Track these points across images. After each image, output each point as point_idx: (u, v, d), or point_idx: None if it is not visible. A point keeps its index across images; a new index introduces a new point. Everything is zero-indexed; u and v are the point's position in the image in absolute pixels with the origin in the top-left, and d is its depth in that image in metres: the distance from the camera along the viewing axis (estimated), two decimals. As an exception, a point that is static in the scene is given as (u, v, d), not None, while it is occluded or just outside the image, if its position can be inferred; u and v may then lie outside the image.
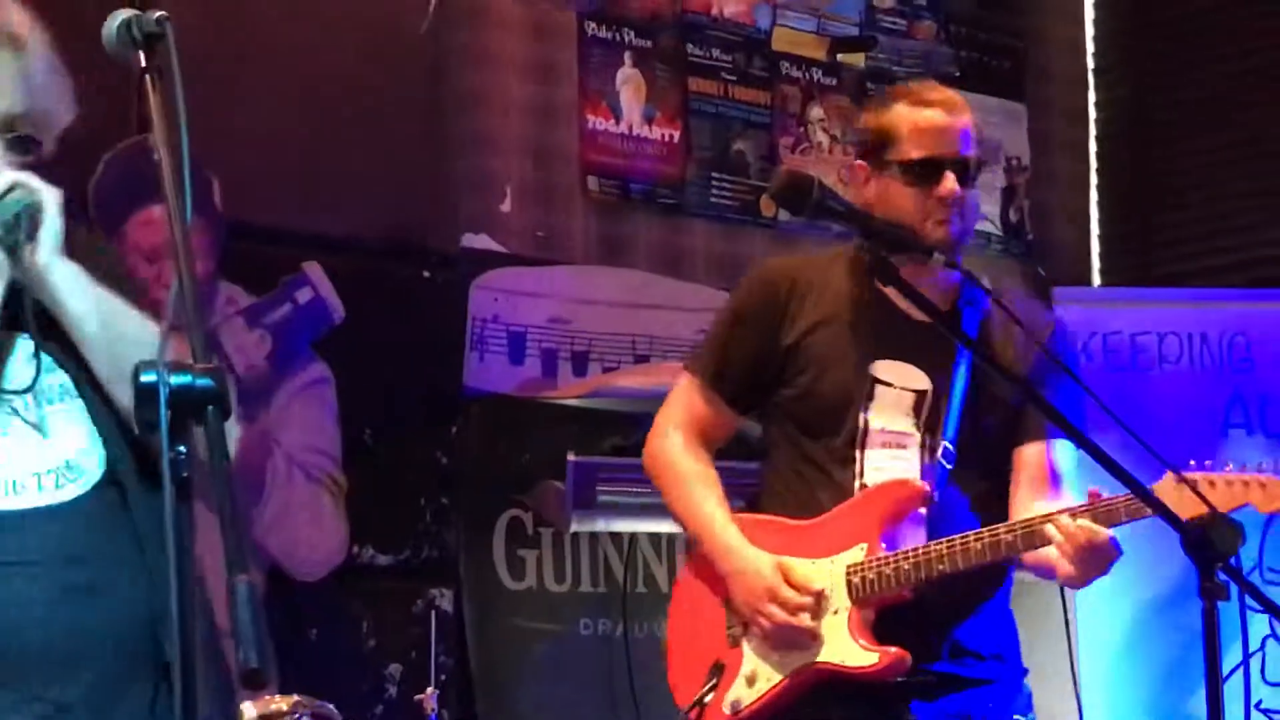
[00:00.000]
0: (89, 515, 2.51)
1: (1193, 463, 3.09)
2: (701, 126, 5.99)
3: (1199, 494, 2.87)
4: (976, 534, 3.15)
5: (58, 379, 2.54)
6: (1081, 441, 2.87)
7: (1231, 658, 5.04)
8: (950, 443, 3.26)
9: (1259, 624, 5.37)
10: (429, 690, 4.23)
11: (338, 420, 5.11)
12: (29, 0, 2.60)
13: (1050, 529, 3.09)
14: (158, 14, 2.27)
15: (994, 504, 3.31)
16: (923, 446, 3.28)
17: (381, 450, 5.19)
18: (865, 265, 3.24)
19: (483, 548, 5.34)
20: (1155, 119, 6.71)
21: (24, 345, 2.52)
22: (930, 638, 3.24)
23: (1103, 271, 6.77)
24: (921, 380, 3.29)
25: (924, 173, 3.25)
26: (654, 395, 3.73)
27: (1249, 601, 2.79)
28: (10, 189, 2.43)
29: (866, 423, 3.28)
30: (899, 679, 3.19)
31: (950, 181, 3.23)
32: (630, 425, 4.83)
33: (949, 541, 3.16)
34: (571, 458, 4.95)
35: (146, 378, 1.98)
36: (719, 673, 3.28)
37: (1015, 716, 3.32)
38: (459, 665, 5.23)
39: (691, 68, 6.00)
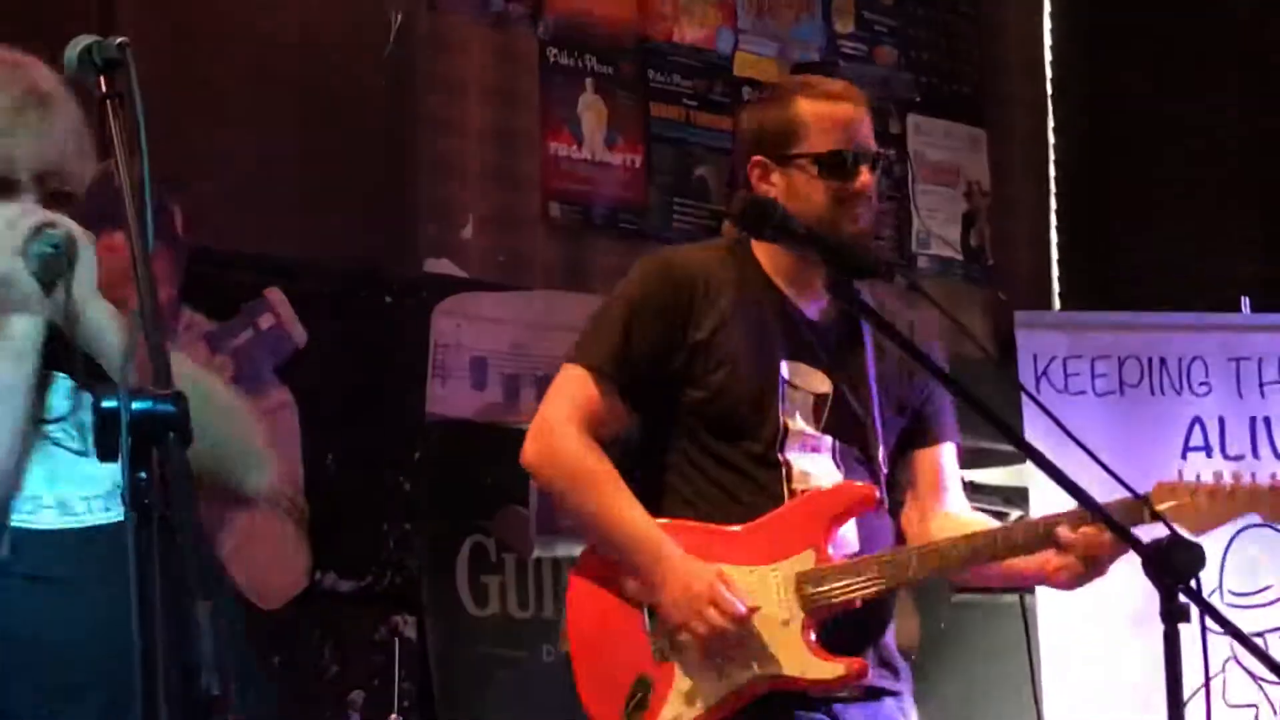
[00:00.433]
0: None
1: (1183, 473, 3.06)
2: (663, 152, 5.99)
3: (1160, 516, 2.84)
4: (985, 534, 3.10)
5: None
6: (1032, 455, 2.75)
7: (1192, 680, 5.05)
8: (858, 447, 3.22)
9: (1220, 646, 5.37)
10: (392, 717, 4.23)
11: (300, 446, 5.10)
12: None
13: (1063, 530, 3.03)
14: (119, 40, 2.26)
15: (895, 510, 3.29)
16: (833, 451, 3.22)
17: (343, 476, 5.18)
18: (758, 265, 3.25)
19: (446, 574, 5.32)
20: (1114, 144, 6.74)
21: (64, 382, 2.52)
22: (866, 647, 3.18)
23: (1063, 295, 6.78)
24: (823, 383, 3.23)
25: (837, 165, 3.22)
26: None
27: (1209, 624, 2.79)
28: (42, 227, 2.43)
29: (787, 425, 3.19)
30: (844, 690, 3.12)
31: (866, 174, 3.22)
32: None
33: (950, 541, 3.10)
34: (534, 483, 4.93)
35: (108, 404, 1.98)
36: (645, 688, 3.13)
37: None
38: (422, 692, 5.19)
39: (653, 93, 6.01)
